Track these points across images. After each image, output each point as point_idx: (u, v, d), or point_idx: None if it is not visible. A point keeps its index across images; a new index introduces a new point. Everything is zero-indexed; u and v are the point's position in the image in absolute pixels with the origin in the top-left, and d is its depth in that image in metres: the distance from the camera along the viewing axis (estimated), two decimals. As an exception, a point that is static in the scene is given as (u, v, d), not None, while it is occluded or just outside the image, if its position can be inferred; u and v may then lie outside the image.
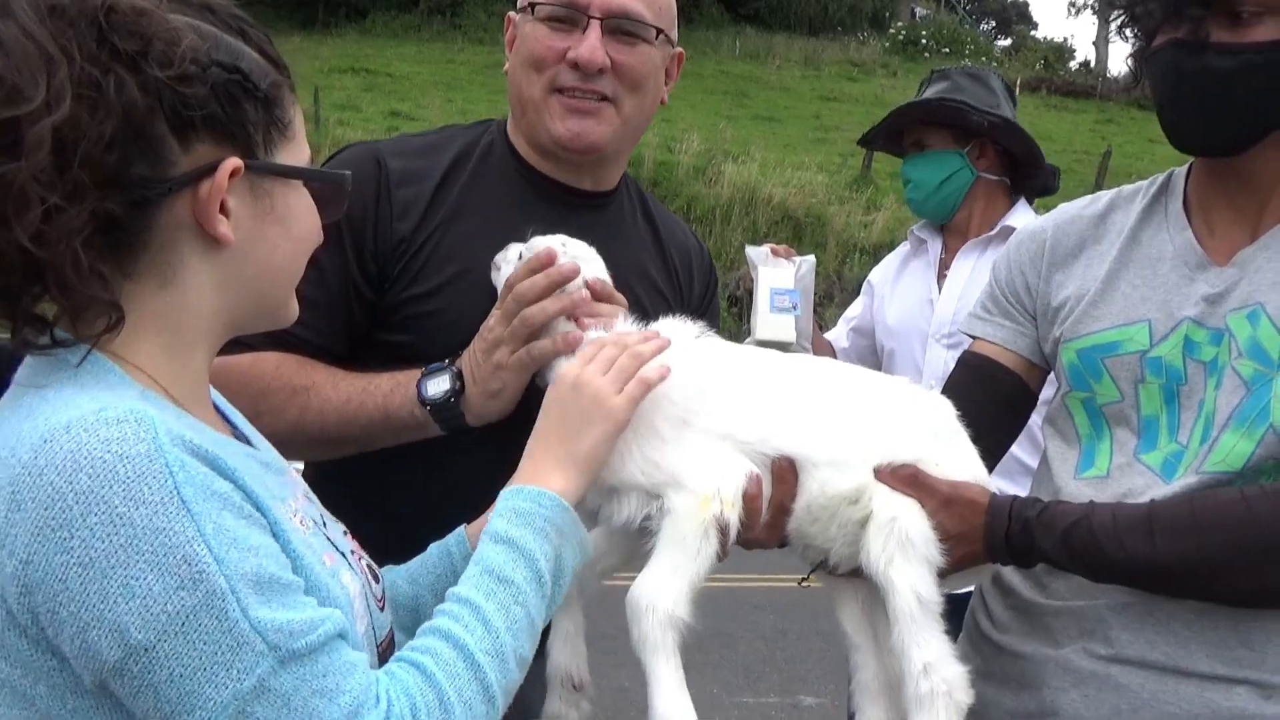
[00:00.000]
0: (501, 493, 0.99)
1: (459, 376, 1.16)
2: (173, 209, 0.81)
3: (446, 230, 1.26)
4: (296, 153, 0.89)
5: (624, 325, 1.16)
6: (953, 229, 2.38)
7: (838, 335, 2.57)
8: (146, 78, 0.77)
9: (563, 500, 0.98)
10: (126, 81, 0.76)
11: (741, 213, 14.66)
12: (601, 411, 1.02)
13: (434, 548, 1.10)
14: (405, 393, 1.17)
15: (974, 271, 2.27)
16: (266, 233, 0.87)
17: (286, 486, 0.92)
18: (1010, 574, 1.34)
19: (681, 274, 1.42)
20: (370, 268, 1.24)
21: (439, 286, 1.25)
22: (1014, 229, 2.15)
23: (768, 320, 2.14)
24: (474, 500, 1.06)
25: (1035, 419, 1.54)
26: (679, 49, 1.37)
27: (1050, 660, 1.26)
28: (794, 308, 2.16)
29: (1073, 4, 40.08)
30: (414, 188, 1.26)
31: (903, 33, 32.42)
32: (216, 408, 0.96)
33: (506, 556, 0.93)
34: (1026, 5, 49.34)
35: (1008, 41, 42.84)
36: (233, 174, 0.82)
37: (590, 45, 1.21)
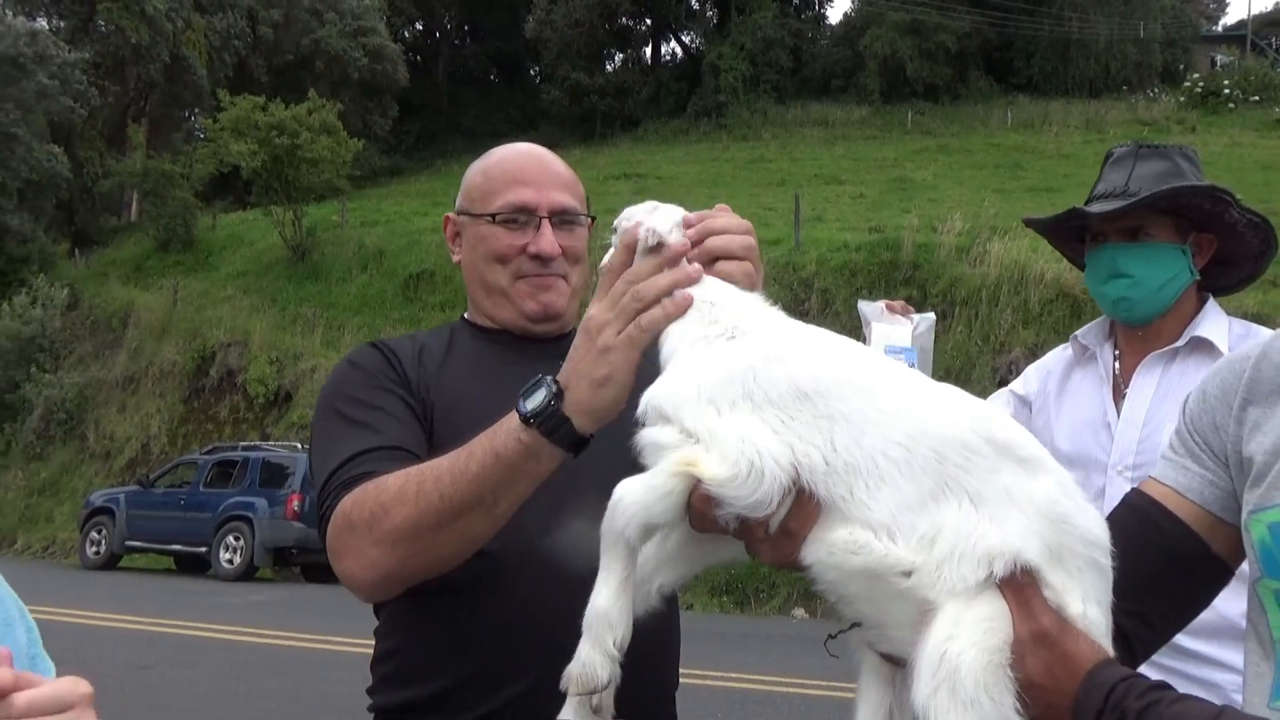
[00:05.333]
0: None
1: (554, 383, 1.17)
2: None
3: (430, 387, 1.45)
4: None
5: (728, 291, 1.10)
6: (1136, 337, 2.05)
7: None
8: None
9: None
10: None
11: (1011, 292, 13.94)
12: None
13: None
14: (508, 424, 1.19)
15: (1159, 389, 1.97)
16: None
17: None
18: None
19: None
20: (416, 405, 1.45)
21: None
22: (1206, 340, 1.94)
23: None
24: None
25: None
26: (593, 216, 1.61)
27: None
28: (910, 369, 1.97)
29: None
30: (401, 357, 1.49)
31: (1200, 84, 29.78)
32: None
33: None
34: (1359, 37, 43.44)
35: (1335, 80, 37.91)
36: None
37: (547, 239, 1.48)
